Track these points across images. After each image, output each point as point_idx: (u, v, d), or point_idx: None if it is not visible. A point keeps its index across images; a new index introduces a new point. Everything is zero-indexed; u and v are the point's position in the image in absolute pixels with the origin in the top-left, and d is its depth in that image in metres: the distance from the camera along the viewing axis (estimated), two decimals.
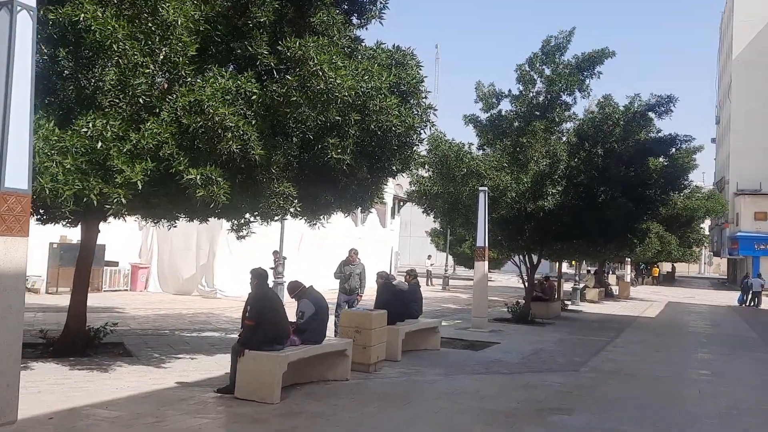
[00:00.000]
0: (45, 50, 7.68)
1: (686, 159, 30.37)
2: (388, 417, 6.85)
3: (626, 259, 38.98)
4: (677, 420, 7.35)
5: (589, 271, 34.26)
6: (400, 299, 11.07)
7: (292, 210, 9.47)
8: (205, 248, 21.56)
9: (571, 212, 16.38)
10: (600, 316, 21.81)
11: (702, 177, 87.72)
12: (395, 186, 36.60)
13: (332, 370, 8.56)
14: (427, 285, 35.19)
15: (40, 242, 19.11)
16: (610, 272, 46.40)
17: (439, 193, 16.85)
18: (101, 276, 20.42)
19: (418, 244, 57.68)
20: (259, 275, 7.44)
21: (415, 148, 9.90)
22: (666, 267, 64.07)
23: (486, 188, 15.54)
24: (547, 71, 16.88)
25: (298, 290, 8.18)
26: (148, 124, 7.62)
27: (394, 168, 9.87)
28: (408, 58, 9.66)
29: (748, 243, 48.09)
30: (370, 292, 13.07)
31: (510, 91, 17.83)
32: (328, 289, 22.45)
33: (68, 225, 10.46)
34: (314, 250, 25.04)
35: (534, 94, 17.13)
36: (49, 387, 7.31)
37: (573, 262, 30.83)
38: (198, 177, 7.33)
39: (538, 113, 16.91)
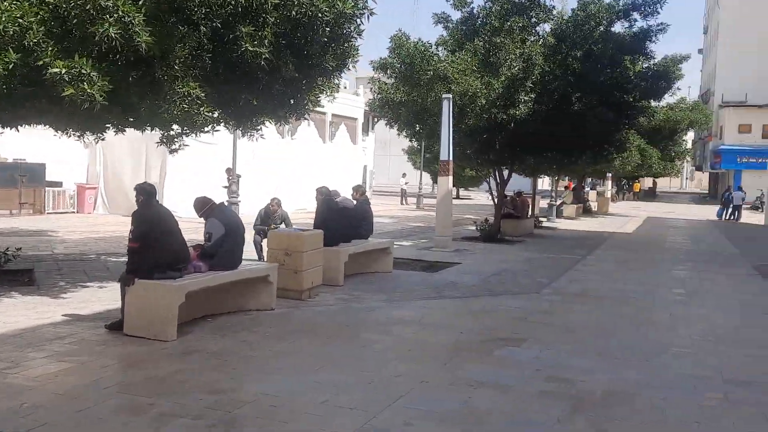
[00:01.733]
0: None
1: (671, 67, 28.95)
2: (299, 356, 5.77)
3: (607, 174, 38.12)
4: (642, 350, 6.37)
5: (566, 188, 33.34)
6: (344, 218, 9.90)
7: (209, 115, 8.17)
8: (155, 166, 20.17)
9: (545, 122, 15.06)
10: (575, 233, 20.93)
11: (688, 91, 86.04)
12: (368, 102, 34.89)
13: (255, 299, 7.46)
14: (402, 204, 34.18)
15: None
16: (591, 188, 45.67)
17: (403, 101, 15.45)
18: (43, 197, 19.06)
19: (397, 164, 56.22)
20: (144, 191, 6.17)
21: (352, 41, 8.42)
22: (648, 183, 63.58)
23: (450, 96, 14.14)
24: None
25: (206, 208, 6.94)
26: (5, 3, 6.15)
27: (328, 66, 8.40)
28: None
29: (730, 156, 47.23)
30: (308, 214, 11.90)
31: None
32: (297, 209, 21.43)
33: None
34: (275, 166, 23.74)
35: None
36: None
37: (556, 178, 29.84)
38: (64, 71, 5.92)
39: (515, 11, 15.42)
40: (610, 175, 38.96)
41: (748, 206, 38.65)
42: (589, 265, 13.00)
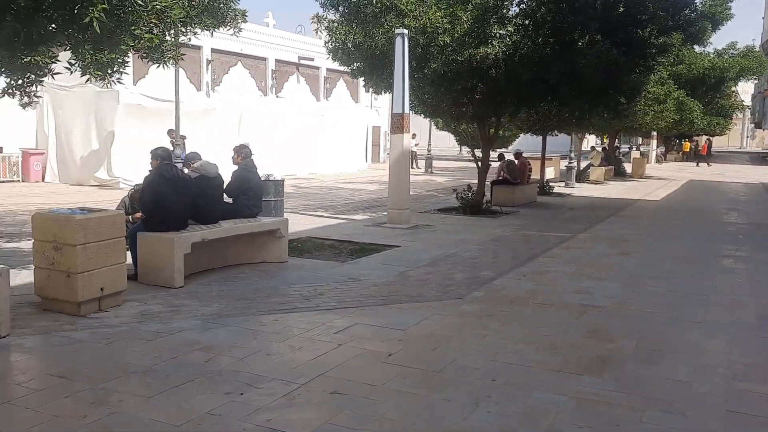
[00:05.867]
0: None
1: (719, 6, 24.76)
2: None
3: (653, 132, 33.98)
4: None
5: (593, 148, 29.58)
6: (195, 189, 7.11)
7: None
8: (103, 127, 17.85)
9: (532, 63, 11.82)
10: (588, 200, 17.65)
11: (753, 43, 79.21)
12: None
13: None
14: (412, 168, 31.16)
15: None
16: (633, 148, 41.60)
17: (359, 43, 12.47)
18: None
19: (430, 125, 52.57)
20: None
21: None
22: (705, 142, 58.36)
23: (404, 32, 11.11)
24: None
25: None
26: None
27: None
28: None
29: None
30: None
31: None
32: (286, 174, 19.04)
33: None
34: (261, 131, 21.19)
35: None
36: None
37: (580, 136, 26.28)
38: None
39: None
40: (655, 133, 34.87)
41: None
42: (574, 247, 9.94)
